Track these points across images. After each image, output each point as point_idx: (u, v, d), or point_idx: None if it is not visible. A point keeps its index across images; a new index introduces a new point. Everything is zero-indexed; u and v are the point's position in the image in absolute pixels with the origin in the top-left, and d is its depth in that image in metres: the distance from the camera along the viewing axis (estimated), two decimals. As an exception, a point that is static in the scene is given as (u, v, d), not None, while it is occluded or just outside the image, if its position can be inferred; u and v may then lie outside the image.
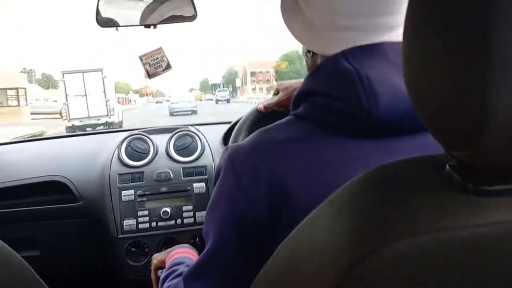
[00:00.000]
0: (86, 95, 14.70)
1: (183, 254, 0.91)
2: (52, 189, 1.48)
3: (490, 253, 0.31)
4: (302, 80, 0.66)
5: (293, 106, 0.64)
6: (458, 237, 0.31)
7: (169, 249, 0.98)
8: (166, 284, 0.76)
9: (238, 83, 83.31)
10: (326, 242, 0.35)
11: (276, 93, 1.13)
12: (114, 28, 1.28)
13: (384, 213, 0.34)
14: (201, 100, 59.34)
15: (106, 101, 15.01)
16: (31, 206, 1.47)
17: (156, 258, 1.00)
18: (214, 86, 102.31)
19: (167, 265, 0.88)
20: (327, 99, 0.58)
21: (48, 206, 1.47)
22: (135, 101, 61.43)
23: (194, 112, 24.03)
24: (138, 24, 1.26)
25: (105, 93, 14.95)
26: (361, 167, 0.43)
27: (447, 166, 0.35)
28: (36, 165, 1.55)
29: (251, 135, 0.63)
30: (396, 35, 0.59)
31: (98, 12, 1.19)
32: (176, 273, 0.79)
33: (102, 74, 15.04)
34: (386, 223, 0.32)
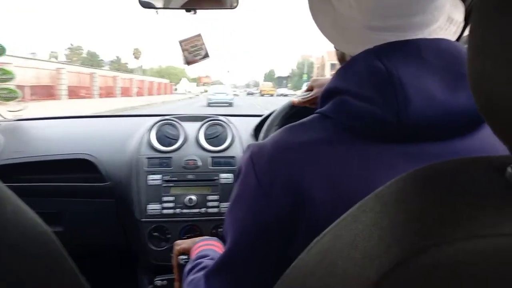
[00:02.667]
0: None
1: (209, 247, 0.91)
2: (80, 168, 1.49)
3: None
4: None
5: (321, 102, 0.61)
6: None
7: (195, 239, 0.98)
8: (190, 276, 0.76)
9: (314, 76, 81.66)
10: (369, 238, 0.33)
11: (310, 89, 1.12)
12: (155, 10, 1.27)
13: (437, 212, 0.31)
14: (271, 95, 52.08)
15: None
16: (58, 182, 1.48)
17: (179, 244, 1.00)
18: (280, 80, 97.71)
19: (193, 256, 0.88)
20: (355, 99, 0.55)
21: (75, 183, 1.48)
22: (186, 90, 61.42)
23: (230, 104, 24.74)
24: (179, 7, 1.24)
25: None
26: (388, 173, 0.41)
27: (509, 169, 0.33)
28: (66, 142, 1.57)
29: (274, 134, 0.61)
30: (429, 32, 0.56)
31: (140, -7, 1.18)
32: (200, 266, 0.79)
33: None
34: (439, 222, 0.30)
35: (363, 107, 0.53)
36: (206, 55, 1.39)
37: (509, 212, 0.30)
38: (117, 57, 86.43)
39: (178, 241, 1.02)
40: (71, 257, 0.44)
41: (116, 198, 1.47)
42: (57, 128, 1.75)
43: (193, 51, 1.38)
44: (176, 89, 59.38)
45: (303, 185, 0.54)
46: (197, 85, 74.97)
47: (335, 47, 0.67)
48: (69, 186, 1.48)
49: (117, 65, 77.05)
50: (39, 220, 0.45)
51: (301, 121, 0.61)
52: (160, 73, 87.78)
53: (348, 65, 0.58)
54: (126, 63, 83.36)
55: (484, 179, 0.33)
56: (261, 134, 1.26)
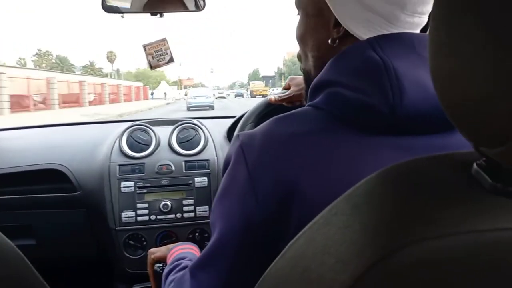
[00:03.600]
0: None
1: (186, 250, 0.90)
2: (50, 178, 1.45)
3: None
4: None
5: (311, 95, 0.61)
6: (484, 241, 0.28)
7: (169, 245, 0.96)
8: (171, 277, 0.74)
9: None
10: (341, 241, 0.33)
11: (287, 87, 1.11)
12: (119, 14, 1.25)
13: (404, 213, 0.31)
14: (264, 96, 46.30)
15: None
16: (28, 194, 1.44)
17: (153, 253, 0.97)
18: (266, 79, 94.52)
19: (169, 261, 0.86)
20: (349, 91, 0.54)
21: (46, 194, 1.45)
22: (164, 93, 57.21)
23: (211, 107, 24.21)
24: (144, 11, 1.22)
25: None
26: (379, 165, 0.41)
27: (474, 165, 0.33)
28: (34, 152, 1.53)
29: (264, 123, 0.60)
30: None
31: (103, -3, 1.16)
32: (179, 266, 0.77)
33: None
34: (407, 223, 0.30)
35: (356, 98, 0.53)
36: (170, 60, 1.37)
37: (475, 209, 0.30)
38: (90, 61, 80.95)
39: (152, 249, 1.00)
40: (45, 270, 0.43)
41: (87, 208, 1.44)
42: (26, 139, 1.70)
43: (158, 55, 1.36)
44: (152, 94, 55.78)
45: (294, 178, 0.53)
46: (178, 88, 71.88)
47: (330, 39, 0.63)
48: (40, 197, 1.44)
49: (91, 70, 72.90)
50: (3, 238, 0.43)
51: (291, 112, 0.60)
52: (137, 77, 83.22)
53: (341, 57, 0.58)
54: (101, 68, 79.55)
55: (451, 176, 0.34)
56: (237, 130, 1.25)
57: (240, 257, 0.58)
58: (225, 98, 47.15)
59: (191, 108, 24.27)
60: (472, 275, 0.28)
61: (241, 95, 57.64)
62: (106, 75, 65.51)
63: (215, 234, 0.59)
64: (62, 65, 69.80)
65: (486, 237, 0.28)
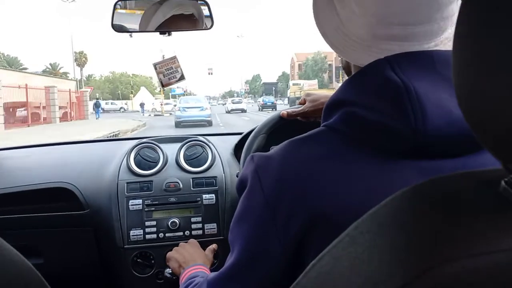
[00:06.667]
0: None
1: (198, 270, 0.93)
2: (57, 196, 1.45)
3: None
4: (331, 93, 0.63)
5: (326, 114, 0.60)
6: None
7: (180, 260, 1.03)
8: None
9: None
10: (368, 261, 0.32)
11: (303, 102, 1.10)
12: (128, 34, 1.26)
13: (434, 231, 0.31)
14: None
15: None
16: (36, 212, 1.44)
17: (169, 260, 1.11)
18: (268, 86, 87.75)
19: (183, 280, 0.89)
20: (367, 111, 0.53)
21: (53, 213, 1.44)
22: (141, 105, 37.76)
23: (208, 122, 18.38)
24: (153, 30, 1.24)
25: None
26: (403, 187, 0.40)
27: (502, 182, 0.32)
28: (42, 171, 1.53)
29: (279, 146, 0.59)
30: (436, 44, 0.56)
31: (113, 17, 1.17)
32: (194, 283, 0.78)
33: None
34: (438, 242, 0.29)
35: (376, 120, 0.52)
36: (181, 77, 1.39)
37: (504, 227, 0.29)
38: (52, 64, 64.03)
39: (169, 255, 1.12)
40: None
41: (95, 226, 1.44)
42: (32, 157, 1.71)
43: (168, 73, 1.38)
44: (142, 106, 37.97)
45: (313, 203, 0.52)
46: (165, 97, 56.29)
47: (339, 56, 0.65)
48: (47, 216, 1.43)
49: (52, 76, 50.89)
50: (17, 254, 0.44)
51: (307, 134, 0.59)
52: (113, 83, 71.18)
53: (358, 76, 0.57)
54: (67, 73, 62.93)
55: (478, 195, 0.33)
56: (247, 144, 1.23)
57: (257, 280, 0.58)
58: (243, 111, 32.54)
59: (181, 124, 17.65)
60: None
61: (272, 105, 37.95)
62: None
63: (233, 256, 0.59)
64: (11, 68, 48.65)
65: None
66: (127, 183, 1.43)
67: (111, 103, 52.58)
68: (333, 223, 0.51)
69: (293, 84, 47.34)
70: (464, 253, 0.28)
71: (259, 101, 42.11)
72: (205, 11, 1.22)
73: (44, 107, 21.00)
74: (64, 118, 23.44)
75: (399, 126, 0.51)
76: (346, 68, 0.66)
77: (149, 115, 34.05)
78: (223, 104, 52.79)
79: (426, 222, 0.32)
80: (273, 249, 0.55)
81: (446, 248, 0.29)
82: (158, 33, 1.21)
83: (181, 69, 1.37)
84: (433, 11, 0.53)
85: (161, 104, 35.54)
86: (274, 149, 0.60)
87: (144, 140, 1.56)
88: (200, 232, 1.41)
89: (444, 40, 0.56)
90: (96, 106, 30.35)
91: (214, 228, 1.41)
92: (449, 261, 0.28)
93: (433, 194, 0.35)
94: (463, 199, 0.33)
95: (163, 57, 1.38)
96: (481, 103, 0.30)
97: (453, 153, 0.52)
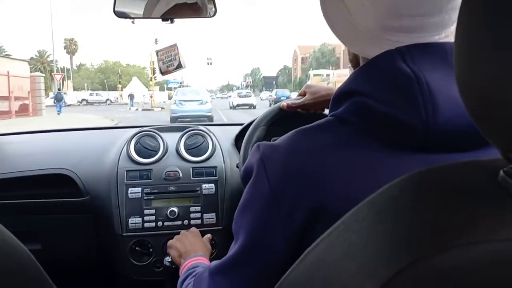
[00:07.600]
0: None
1: (198, 261, 0.93)
2: (57, 183, 1.44)
3: None
4: (332, 87, 0.61)
5: (333, 104, 0.59)
6: None
7: (181, 249, 1.02)
8: (187, 281, 0.76)
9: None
10: (363, 248, 0.32)
11: (303, 94, 1.09)
12: (131, 20, 1.25)
13: (431, 219, 0.30)
14: None
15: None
16: (35, 198, 1.44)
17: (170, 247, 1.09)
18: (268, 80, 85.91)
19: (183, 271, 0.89)
20: (377, 103, 0.52)
21: (52, 199, 1.44)
22: (130, 96, 31.02)
23: (209, 118, 15.56)
24: (156, 17, 1.22)
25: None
26: None
27: (501, 172, 0.32)
28: (41, 157, 1.52)
29: (286, 136, 0.59)
30: (447, 35, 0.54)
31: (115, 3, 1.16)
32: (194, 272, 0.79)
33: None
34: (435, 230, 0.29)
35: (386, 112, 0.51)
36: (179, 66, 1.37)
37: (503, 217, 0.29)
38: (40, 51, 57.82)
39: (170, 243, 1.10)
40: (49, 275, 0.43)
41: (94, 213, 1.43)
42: (33, 143, 1.70)
43: (167, 61, 1.36)
44: (131, 98, 31.66)
45: (321, 194, 0.52)
46: (161, 90, 53.66)
47: (348, 48, 0.64)
48: (46, 202, 1.43)
49: (40, 64, 52.88)
50: (13, 238, 0.43)
51: (315, 123, 0.58)
52: (105, 73, 67.64)
53: (368, 66, 0.56)
54: (57, 60, 53.29)
55: (477, 183, 0.33)
56: (247, 135, 1.23)
57: (259, 270, 0.58)
58: (253, 106, 27.14)
59: (178, 120, 14.49)
60: (502, 284, 0.27)
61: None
62: (62, 70, 46.45)
63: (237, 244, 0.59)
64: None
65: None
66: (127, 171, 1.43)
67: (96, 94, 47.24)
68: (339, 214, 0.50)
69: (314, 75, 41.44)
70: (460, 242, 0.28)
71: (271, 96, 35.84)
72: (209, -1, 1.20)
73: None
74: (3, 114, 15.97)
75: (409, 119, 0.50)
76: (354, 60, 0.65)
77: (136, 109, 27.94)
78: (221, 98, 50.00)
79: (423, 210, 0.32)
80: (277, 239, 0.55)
81: (442, 236, 0.29)
82: (160, 20, 1.20)
83: (179, 57, 1.36)
84: (443, 2, 0.52)
85: (151, 97, 29.52)
86: (280, 139, 0.59)
87: (145, 128, 1.56)
88: (199, 221, 1.41)
89: (454, 31, 0.55)
90: (57, 99, 23.41)
91: (213, 218, 1.41)
92: (445, 250, 0.28)
93: (430, 183, 0.35)
94: (461, 188, 0.33)
95: (156, 41, 1.36)
96: (480, 90, 0.30)
97: (463, 148, 0.52)
